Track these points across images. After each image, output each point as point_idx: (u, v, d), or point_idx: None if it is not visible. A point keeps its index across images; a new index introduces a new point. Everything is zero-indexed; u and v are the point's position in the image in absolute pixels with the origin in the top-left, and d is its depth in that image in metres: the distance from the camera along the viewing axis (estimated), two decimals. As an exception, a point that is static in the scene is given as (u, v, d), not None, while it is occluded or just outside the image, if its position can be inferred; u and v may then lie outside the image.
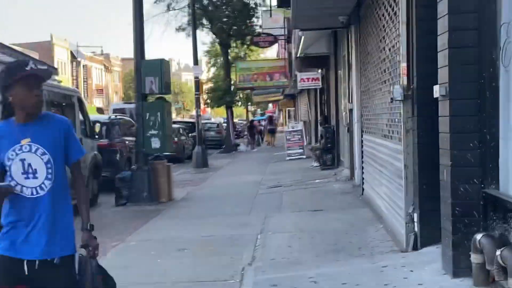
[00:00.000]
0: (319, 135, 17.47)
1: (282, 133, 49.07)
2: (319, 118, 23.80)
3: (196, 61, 22.81)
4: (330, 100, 17.64)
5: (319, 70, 18.49)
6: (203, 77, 76.46)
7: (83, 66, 75.36)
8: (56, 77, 11.67)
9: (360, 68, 11.08)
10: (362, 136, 10.94)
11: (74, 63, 73.31)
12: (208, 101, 33.44)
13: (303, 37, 12.99)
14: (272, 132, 38.24)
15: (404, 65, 6.00)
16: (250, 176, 16.69)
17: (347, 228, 7.88)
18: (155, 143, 11.65)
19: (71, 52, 72.29)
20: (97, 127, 12.75)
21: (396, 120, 7.12)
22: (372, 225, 7.93)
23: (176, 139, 26.25)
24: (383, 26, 7.74)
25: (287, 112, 59.96)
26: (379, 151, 8.65)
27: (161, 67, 11.69)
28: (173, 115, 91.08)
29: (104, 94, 79.81)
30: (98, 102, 77.34)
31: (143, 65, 11.74)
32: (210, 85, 34.02)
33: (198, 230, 8.55)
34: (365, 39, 10.18)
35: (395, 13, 6.73)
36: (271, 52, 57.08)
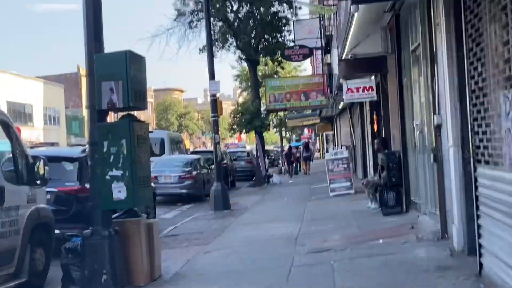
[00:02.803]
0: (378, 165, 12.57)
1: (318, 160, 44.51)
2: (367, 141, 18.98)
3: (212, 76, 18.17)
4: (390, 117, 12.86)
5: (372, 77, 13.71)
6: (232, 100, 72.06)
7: (113, 97, 72.39)
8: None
9: (459, 57, 6.38)
10: (474, 170, 6.15)
11: (104, 94, 70.56)
12: (234, 126, 28.78)
13: (355, 14, 8.30)
14: (308, 159, 33.89)
15: None
16: (281, 225, 11.94)
17: None
18: (119, 192, 6.89)
19: (100, 84, 69.62)
20: (44, 166, 8.09)
21: None
22: None
23: (194, 173, 21.72)
24: None
25: (324, 136, 55.47)
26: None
27: (127, 64, 6.93)
28: (208, 145, 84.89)
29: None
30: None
31: (98, 62, 7.05)
32: (238, 108, 29.30)
33: None
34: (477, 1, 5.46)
35: None
36: (306, 73, 52.42)
